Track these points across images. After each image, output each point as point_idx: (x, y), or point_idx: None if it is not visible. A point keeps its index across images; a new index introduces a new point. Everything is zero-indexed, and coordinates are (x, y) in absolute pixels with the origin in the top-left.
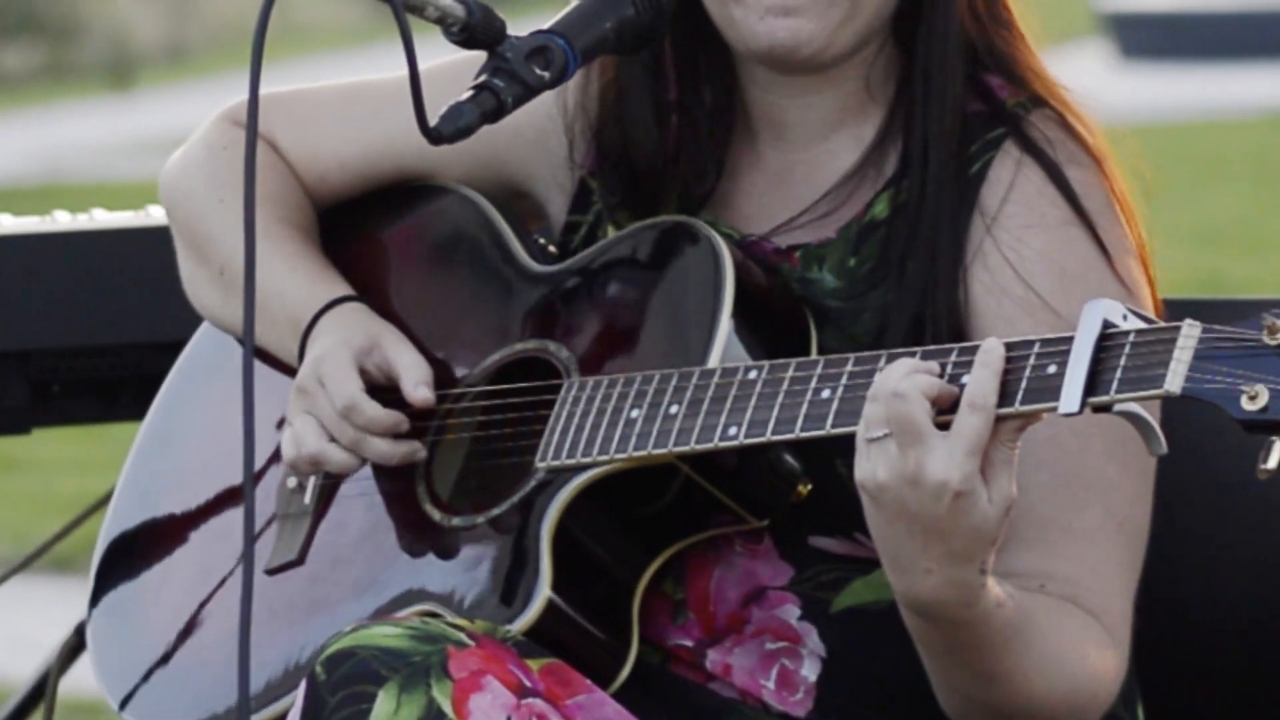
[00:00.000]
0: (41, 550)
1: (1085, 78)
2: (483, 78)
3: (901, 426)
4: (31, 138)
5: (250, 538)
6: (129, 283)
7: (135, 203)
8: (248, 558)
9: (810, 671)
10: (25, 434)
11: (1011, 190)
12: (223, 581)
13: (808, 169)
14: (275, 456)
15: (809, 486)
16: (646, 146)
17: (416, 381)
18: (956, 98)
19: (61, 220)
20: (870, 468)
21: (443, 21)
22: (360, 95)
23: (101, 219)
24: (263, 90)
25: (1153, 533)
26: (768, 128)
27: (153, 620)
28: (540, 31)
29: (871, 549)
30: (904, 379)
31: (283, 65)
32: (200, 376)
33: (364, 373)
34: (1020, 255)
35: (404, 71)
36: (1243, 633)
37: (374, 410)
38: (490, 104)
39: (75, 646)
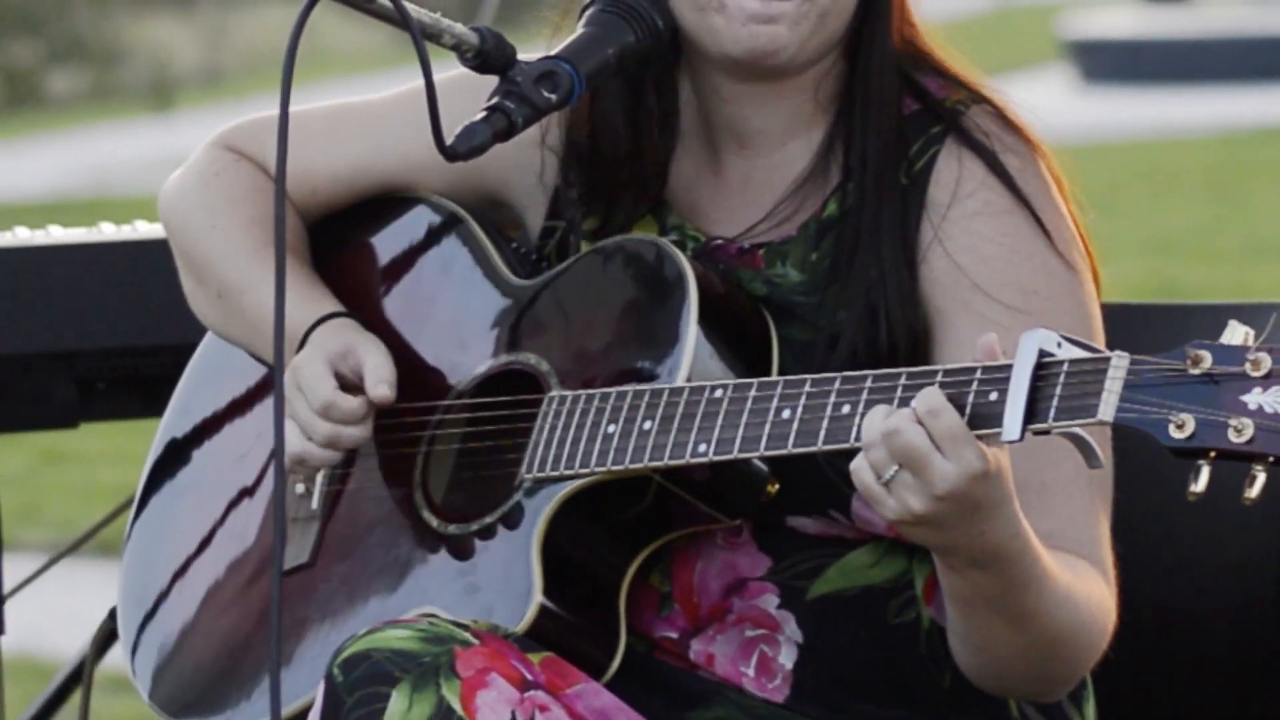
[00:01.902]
0: (87, 536)
1: (1050, 100)
2: (495, 100)
3: (908, 455)
4: (79, 155)
5: (279, 556)
6: (168, 289)
7: None
8: (277, 568)
9: (787, 659)
10: (73, 428)
11: (956, 184)
12: (238, 579)
13: (767, 174)
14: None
15: (777, 486)
16: (611, 147)
17: (377, 380)
18: (891, 105)
19: (106, 231)
20: (898, 505)
21: (458, 48)
22: (345, 114)
23: (143, 230)
24: (267, 111)
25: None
26: (730, 138)
27: (176, 614)
28: (548, 57)
29: (842, 524)
30: (888, 418)
31: (311, 87)
32: (211, 379)
33: (339, 375)
34: (967, 244)
35: (387, 92)
36: (1191, 633)
37: (347, 403)
38: (502, 124)
39: (110, 632)
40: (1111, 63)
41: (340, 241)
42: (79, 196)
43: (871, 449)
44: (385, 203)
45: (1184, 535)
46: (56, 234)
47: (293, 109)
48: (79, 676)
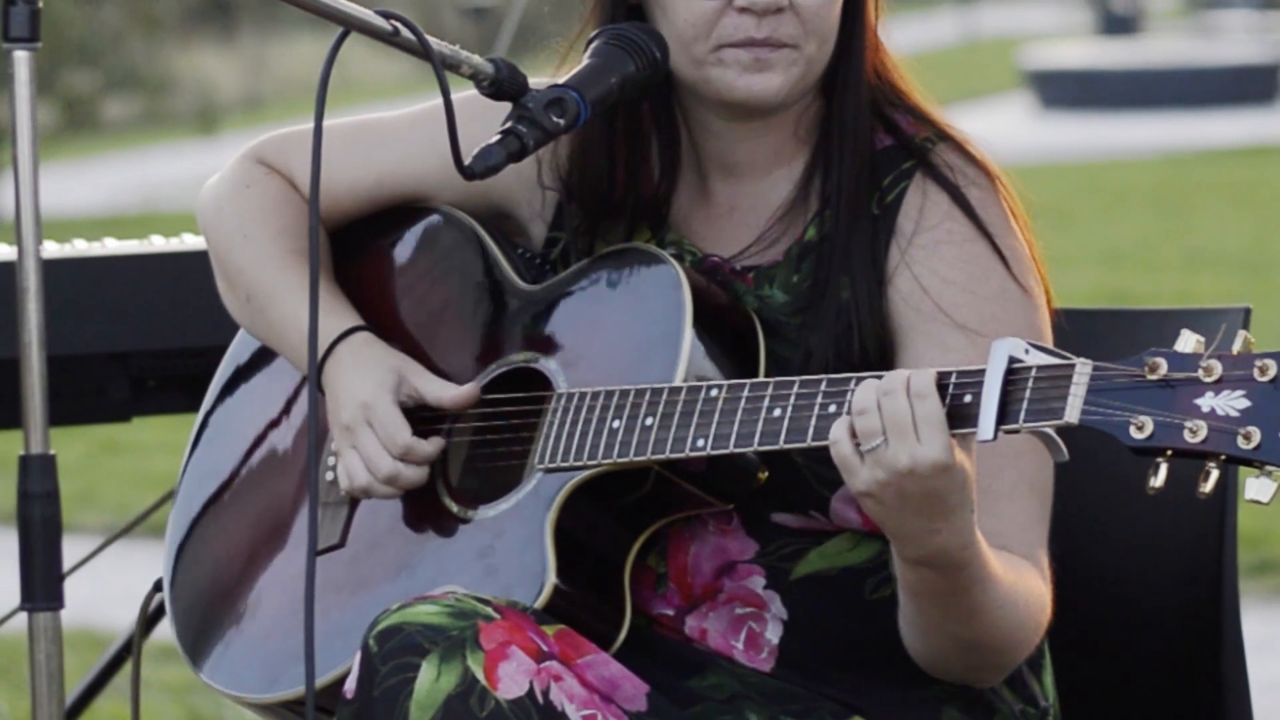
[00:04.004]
0: (139, 519)
1: (1012, 125)
2: (508, 124)
3: (894, 421)
4: (132, 175)
5: (312, 548)
6: (212, 295)
7: None
8: (310, 555)
9: (773, 634)
10: (126, 422)
11: (922, 214)
12: (273, 557)
13: (752, 200)
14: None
15: (766, 474)
16: (596, 181)
17: (454, 394)
18: (864, 138)
19: (157, 243)
20: (870, 475)
21: (475, 77)
22: (366, 131)
23: (190, 242)
24: (289, 128)
25: (1060, 527)
26: (718, 167)
27: (215, 587)
28: (556, 85)
29: (820, 521)
30: (884, 382)
31: (342, 112)
32: (247, 369)
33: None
34: (932, 268)
35: (405, 111)
36: (1139, 610)
37: (424, 448)
38: (515, 146)
39: (157, 606)
40: (1067, 91)
41: (362, 248)
42: (132, 212)
43: (864, 415)
44: (403, 213)
45: (1133, 521)
46: (112, 246)
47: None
48: (131, 646)
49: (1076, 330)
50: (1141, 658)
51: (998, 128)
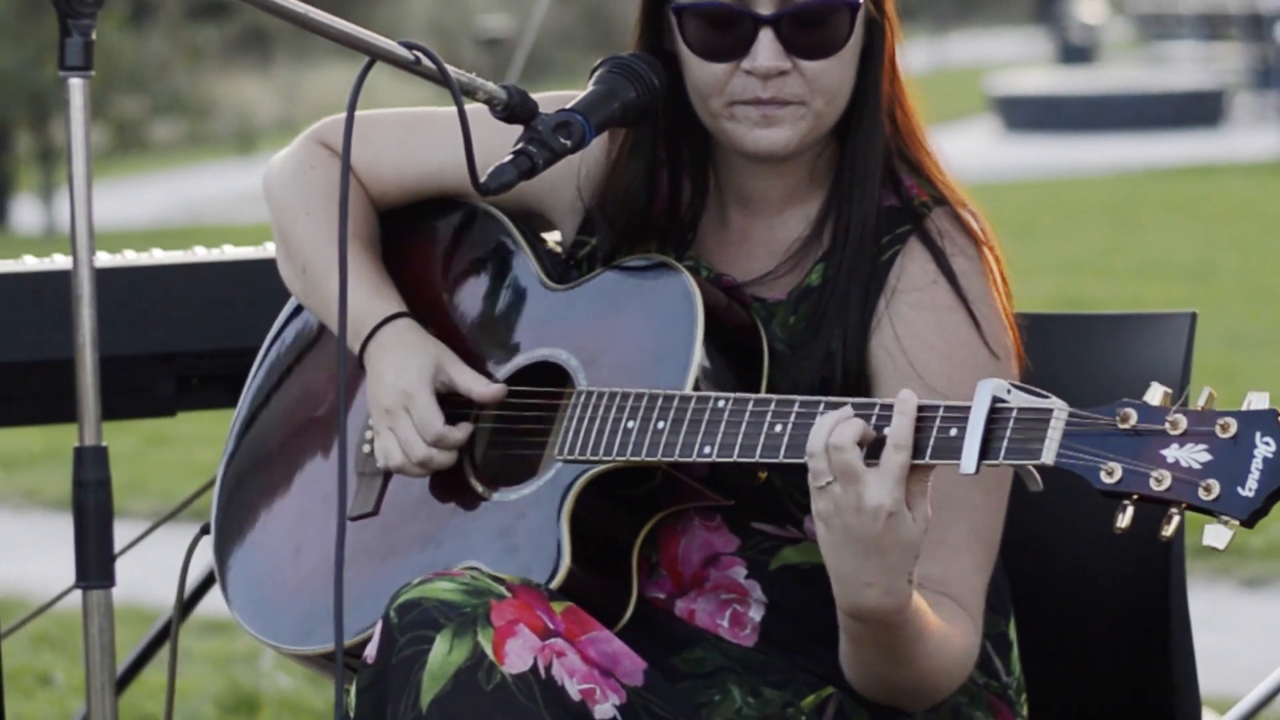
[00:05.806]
0: (183, 505)
1: (979, 145)
2: (520, 145)
3: (842, 471)
4: (176, 191)
5: (342, 516)
6: (251, 300)
7: (256, 240)
8: (340, 530)
9: (756, 614)
10: (172, 416)
11: (910, 278)
12: (312, 521)
13: (765, 233)
14: (347, 424)
15: (766, 472)
16: (636, 206)
17: (485, 386)
18: (874, 188)
19: (199, 253)
20: (822, 506)
21: (489, 102)
22: (418, 125)
23: (230, 253)
24: (341, 115)
25: (1023, 516)
26: (735, 199)
27: (258, 550)
28: (564, 110)
29: (795, 533)
30: (834, 433)
31: None
32: (290, 348)
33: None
34: (912, 329)
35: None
36: (1096, 596)
37: (454, 435)
38: (526, 165)
39: (199, 586)
40: (1029, 114)
41: (403, 238)
42: (177, 225)
43: (813, 458)
44: (443, 206)
45: (1089, 510)
46: (159, 256)
47: (374, 112)
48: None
49: (1038, 333)
50: (1097, 633)
51: (966, 148)
